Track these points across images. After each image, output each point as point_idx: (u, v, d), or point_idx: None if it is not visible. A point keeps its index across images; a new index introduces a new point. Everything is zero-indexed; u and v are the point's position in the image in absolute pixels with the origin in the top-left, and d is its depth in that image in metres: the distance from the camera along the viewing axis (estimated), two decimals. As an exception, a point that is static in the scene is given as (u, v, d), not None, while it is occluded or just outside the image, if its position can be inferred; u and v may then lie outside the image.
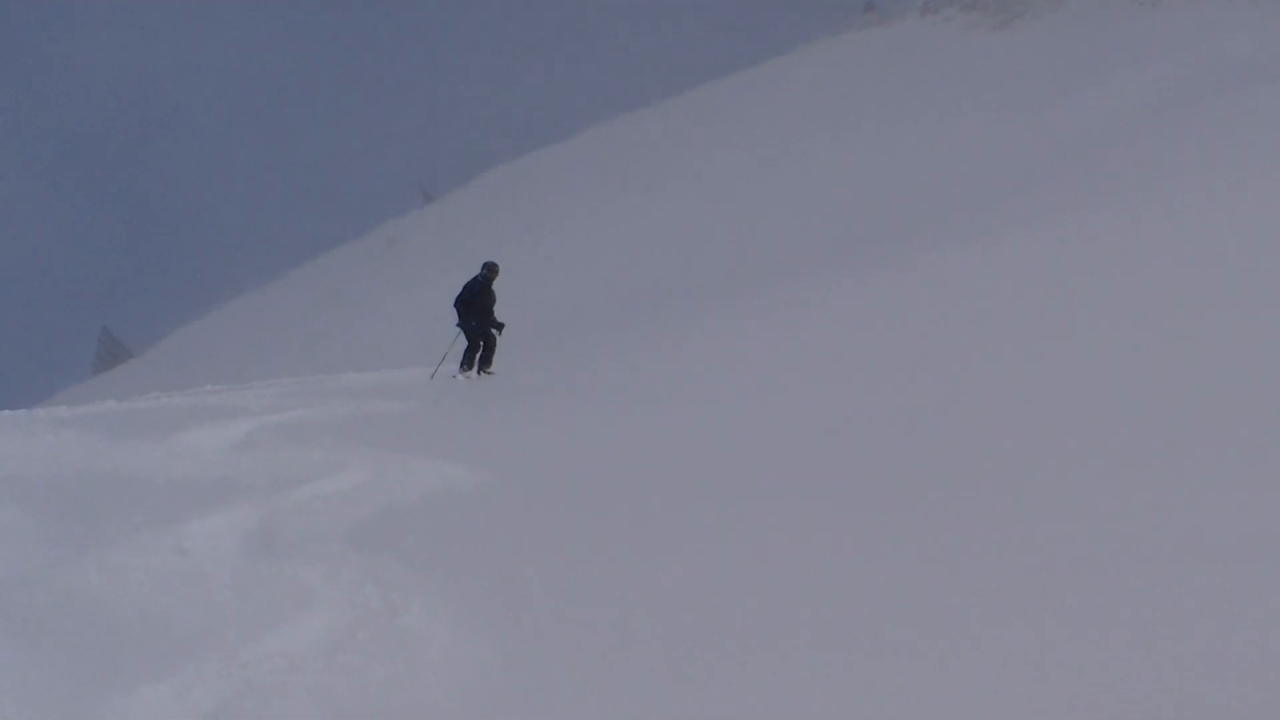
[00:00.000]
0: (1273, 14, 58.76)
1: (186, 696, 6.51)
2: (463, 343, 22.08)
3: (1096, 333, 15.91)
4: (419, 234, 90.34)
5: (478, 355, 21.76)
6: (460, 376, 21.65)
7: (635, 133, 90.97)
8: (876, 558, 7.69)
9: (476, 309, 21.30)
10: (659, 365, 21.51)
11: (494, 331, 21.96)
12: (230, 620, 7.64)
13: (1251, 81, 42.05)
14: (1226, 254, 18.26)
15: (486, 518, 10.27)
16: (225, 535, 9.91)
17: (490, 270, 21.60)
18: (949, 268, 26.26)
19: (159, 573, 9.01)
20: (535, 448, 14.38)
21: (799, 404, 15.29)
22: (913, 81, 76.67)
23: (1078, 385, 13.04)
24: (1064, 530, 7.55)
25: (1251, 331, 13.52)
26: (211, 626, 7.57)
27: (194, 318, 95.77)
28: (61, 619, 7.69)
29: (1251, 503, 7.47)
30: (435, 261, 76.81)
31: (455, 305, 21.76)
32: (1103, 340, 15.35)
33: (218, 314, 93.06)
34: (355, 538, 9.66)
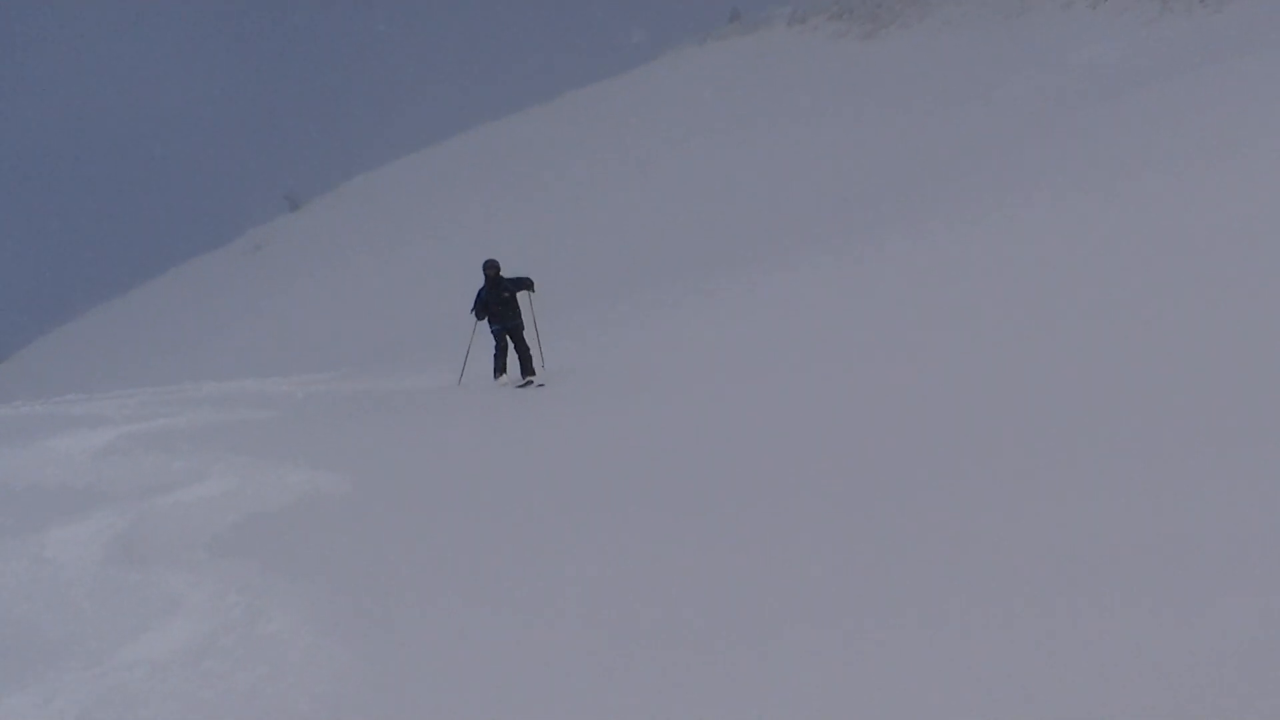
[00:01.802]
0: (1138, 23, 59.60)
1: (49, 705, 6.52)
2: (481, 344, 21.29)
3: (949, 338, 16.22)
4: (285, 240, 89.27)
5: (506, 359, 20.67)
6: (498, 384, 20.65)
7: (501, 139, 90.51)
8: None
9: (491, 310, 20.49)
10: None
11: (520, 321, 20.72)
12: (93, 628, 7.65)
13: (1122, 88, 42.65)
14: (1117, 258, 18.72)
15: (349, 524, 10.30)
16: (88, 543, 9.86)
17: (487, 269, 20.72)
18: (826, 269, 26.51)
19: (20, 580, 8.99)
20: (400, 454, 14.39)
21: (691, 403, 15.38)
22: (781, 89, 76.75)
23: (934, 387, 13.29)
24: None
25: (1169, 324, 13.92)
26: (74, 634, 7.58)
27: (55, 325, 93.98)
28: (-78, 628, 7.67)
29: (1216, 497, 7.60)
30: (301, 268, 76.01)
31: (475, 313, 20.94)
32: (955, 341, 15.66)
33: (80, 321, 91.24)
34: (218, 545, 9.66)
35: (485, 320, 20.62)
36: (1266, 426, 9.01)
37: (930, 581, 6.91)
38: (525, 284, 20.77)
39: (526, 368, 20.30)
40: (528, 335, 20.69)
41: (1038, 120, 44.85)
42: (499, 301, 20.67)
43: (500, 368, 20.38)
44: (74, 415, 19.71)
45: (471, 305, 20.87)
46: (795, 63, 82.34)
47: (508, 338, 20.44)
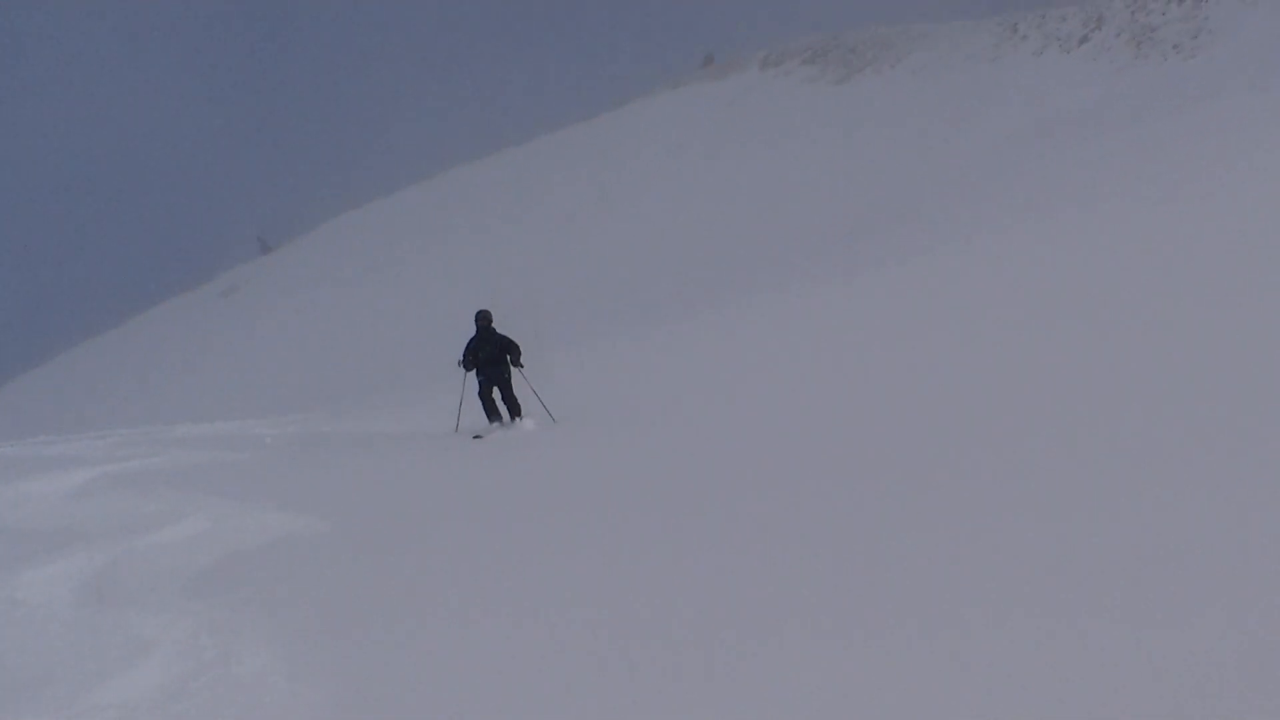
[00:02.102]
0: (1111, 69, 60.04)
1: (17, 749, 6.46)
2: (472, 391, 20.88)
3: (929, 360, 16.31)
4: (258, 283, 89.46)
5: (498, 405, 20.38)
6: (494, 425, 20.27)
7: (475, 181, 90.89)
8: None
9: (480, 361, 20.24)
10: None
11: (512, 372, 20.37)
12: (64, 670, 7.58)
13: (1095, 130, 43.05)
14: (1093, 280, 19.02)
15: (325, 566, 10.25)
16: (60, 584, 9.81)
17: (480, 319, 20.42)
18: (804, 297, 26.67)
19: (-9, 622, 8.91)
20: (376, 494, 14.34)
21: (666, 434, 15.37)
22: (755, 129, 77.27)
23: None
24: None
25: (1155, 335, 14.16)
26: (44, 676, 7.51)
27: (30, 366, 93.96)
28: (-110, 671, 7.59)
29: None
30: (274, 310, 76.16)
31: (460, 364, 20.63)
32: (940, 359, 15.75)
33: (54, 363, 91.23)
34: (192, 587, 9.60)
35: (474, 371, 20.42)
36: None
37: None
38: (513, 350, 20.38)
39: (515, 413, 20.23)
40: (518, 391, 20.50)
41: (1009, 160, 45.22)
42: (488, 354, 20.43)
43: (492, 415, 20.20)
44: (48, 456, 19.65)
45: (461, 355, 20.67)
46: (768, 105, 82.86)
47: (495, 389, 20.28)
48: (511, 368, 20.46)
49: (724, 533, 8.84)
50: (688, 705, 5.82)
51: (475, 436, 19.02)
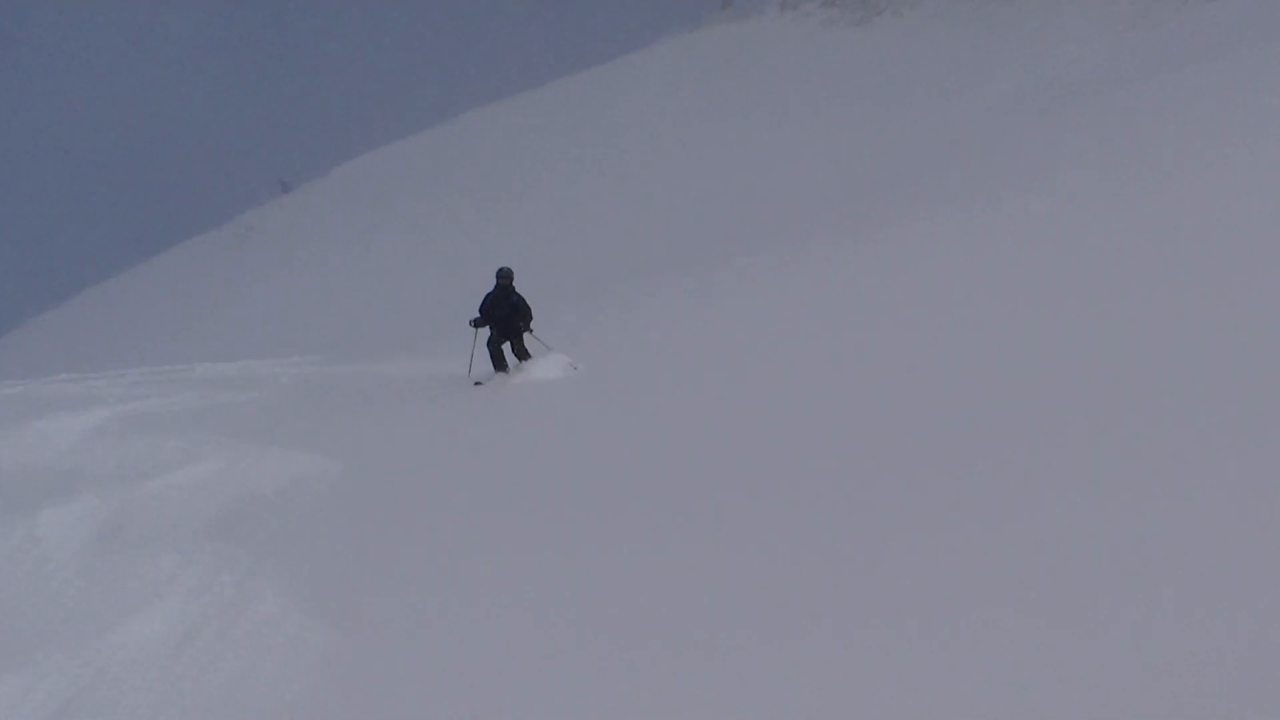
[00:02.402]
0: (1125, 23, 59.53)
1: (35, 691, 6.49)
2: (482, 345, 20.52)
3: (943, 326, 16.21)
4: (277, 224, 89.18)
5: (505, 361, 20.02)
6: (499, 378, 20.01)
7: (491, 126, 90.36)
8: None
9: (495, 319, 19.87)
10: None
11: (521, 330, 19.99)
12: (80, 612, 7.62)
13: (1111, 82, 42.64)
14: (1124, 245, 18.74)
15: (339, 507, 10.27)
16: (77, 524, 9.84)
17: (501, 278, 20.05)
18: (816, 258, 26.42)
19: (7, 564, 8.95)
20: (391, 438, 14.34)
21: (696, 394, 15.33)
22: (772, 76, 76.71)
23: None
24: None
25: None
26: (61, 618, 7.55)
27: (49, 306, 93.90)
28: (-91, 610, 7.64)
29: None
30: (293, 252, 76.00)
31: (472, 323, 20.31)
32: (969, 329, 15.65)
33: (73, 302, 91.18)
34: (208, 528, 9.64)
35: (484, 328, 20.08)
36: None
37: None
38: (525, 315, 20.05)
39: (521, 352, 19.91)
40: (530, 344, 20.31)
41: (1028, 114, 44.81)
42: (501, 314, 20.03)
43: (499, 364, 19.89)
44: (65, 395, 19.70)
45: (478, 309, 20.31)
46: (786, 50, 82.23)
47: (507, 343, 19.98)
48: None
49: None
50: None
51: (476, 383, 18.93)
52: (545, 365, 19.19)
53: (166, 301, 74.60)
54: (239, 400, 18.58)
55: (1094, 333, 14.00)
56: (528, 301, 20.34)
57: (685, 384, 16.02)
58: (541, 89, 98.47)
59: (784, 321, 20.24)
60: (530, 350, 19.90)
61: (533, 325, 20.34)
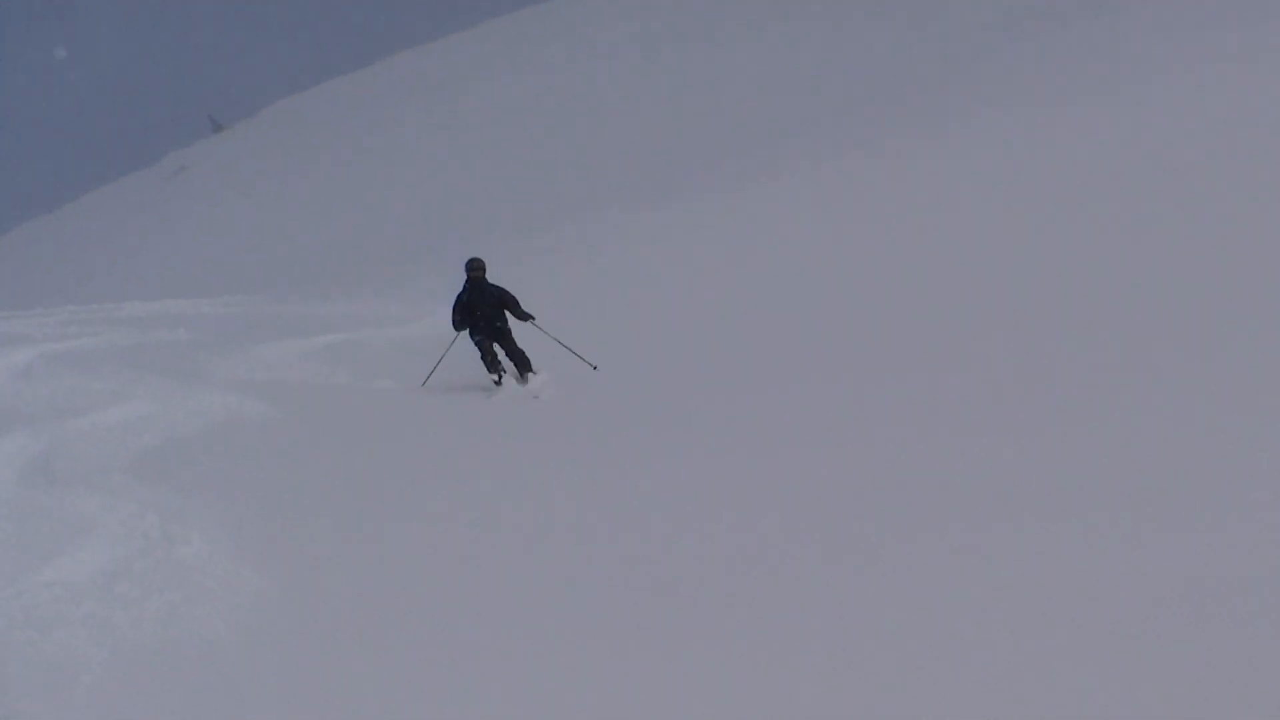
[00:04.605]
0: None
1: (-39, 626, 6.45)
2: (461, 347, 16.77)
3: (924, 251, 16.30)
4: (208, 163, 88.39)
5: (499, 360, 16.61)
6: (493, 381, 16.67)
7: (427, 64, 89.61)
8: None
9: (474, 317, 16.30)
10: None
11: (509, 325, 16.55)
12: (7, 549, 7.58)
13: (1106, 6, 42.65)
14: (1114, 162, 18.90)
15: (268, 449, 10.28)
16: (4, 464, 9.78)
17: (471, 269, 16.26)
18: (788, 187, 26.27)
19: (-66, 501, 8.88)
20: (321, 378, 14.32)
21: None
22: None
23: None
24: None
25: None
26: (-11, 555, 7.49)
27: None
28: None
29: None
30: (225, 191, 75.37)
31: (453, 324, 16.58)
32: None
33: (1, 240, 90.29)
34: (136, 468, 9.61)
35: (465, 331, 16.19)
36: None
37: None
38: (511, 304, 16.13)
39: (525, 367, 16.04)
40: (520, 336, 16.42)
41: (1024, 30, 44.65)
42: (482, 310, 16.27)
43: (492, 365, 15.85)
44: (-7, 333, 19.48)
45: (451, 310, 17.38)
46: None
47: (495, 345, 16.17)
48: (512, 321, 16.42)
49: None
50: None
51: (496, 382, 15.76)
52: (552, 377, 15.91)
53: (96, 240, 73.83)
54: (169, 339, 18.48)
55: (1075, 238, 14.17)
56: (510, 292, 16.60)
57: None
58: (477, 26, 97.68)
59: (757, 254, 20.14)
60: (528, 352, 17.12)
61: (535, 318, 16.47)
